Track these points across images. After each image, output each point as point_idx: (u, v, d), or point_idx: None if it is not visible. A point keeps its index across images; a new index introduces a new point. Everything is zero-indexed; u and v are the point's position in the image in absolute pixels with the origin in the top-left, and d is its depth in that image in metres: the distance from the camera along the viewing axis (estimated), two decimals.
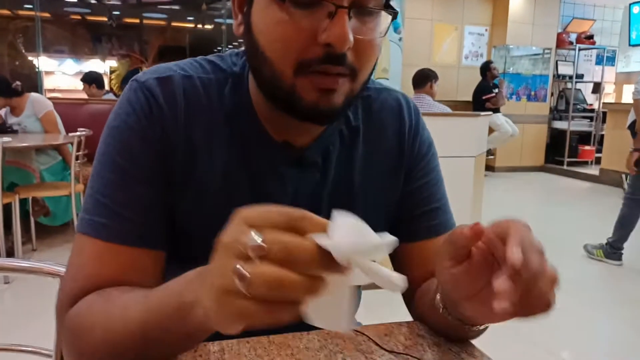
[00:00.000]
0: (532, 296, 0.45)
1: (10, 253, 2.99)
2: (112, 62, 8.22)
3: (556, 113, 8.06)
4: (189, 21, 9.10)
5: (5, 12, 7.47)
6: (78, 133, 3.21)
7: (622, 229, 3.45)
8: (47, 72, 7.84)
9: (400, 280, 0.38)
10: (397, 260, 0.77)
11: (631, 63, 7.48)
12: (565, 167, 7.65)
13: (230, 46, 7.18)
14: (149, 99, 0.63)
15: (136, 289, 0.58)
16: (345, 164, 0.72)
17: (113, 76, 7.73)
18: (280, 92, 0.58)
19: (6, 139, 2.88)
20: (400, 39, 4.31)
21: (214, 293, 0.38)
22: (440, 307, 0.61)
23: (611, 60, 8.26)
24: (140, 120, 0.62)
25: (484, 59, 7.34)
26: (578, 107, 8.00)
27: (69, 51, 8.47)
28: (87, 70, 5.90)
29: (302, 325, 0.67)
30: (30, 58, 7.38)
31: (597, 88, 8.30)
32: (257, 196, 0.67)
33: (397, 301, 0.83)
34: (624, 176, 4.69)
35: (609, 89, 8.39)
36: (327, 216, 0.76)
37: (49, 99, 3.95)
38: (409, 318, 0.76)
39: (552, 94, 8.03)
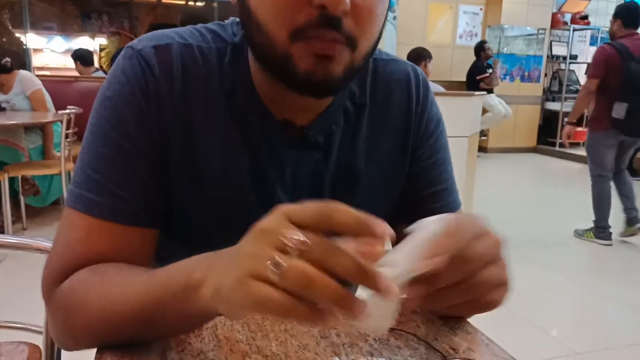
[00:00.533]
0: (452, 300, 0.47)
1: (0, 232, 2.97)
2: (102, 40, 8.08)
3: (549, 94, 8.05)
4: None
5: None
6: (67, 111, 3.16)
7: (599, 207, 3.50)
8: (35, 49, 7.67)
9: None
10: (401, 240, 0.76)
11: None
12: (557, 148, 7.67)
13: None
14: (144, 69, 0.60)
15: (133, 266, 0.57)
16: (349, 144, 0.68)
17: (103, 54, 7.60)
18: (275, 60, 0.55)
19: None
20: (394, 18, 4.27)
21: (240, 273, 0.38)
22: None
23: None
24: (135, 93, 0.59)
25: (478, 39, 7.29)
26: (571, 88, 7.98)
27: (58, 28, 8.29)
28: (76, 47, 5.79)
29: None
30: (17, 35, 7.22)
31: None
32: (257, 177, 0.65)
33: None
34: None
35: None
36: (330, 196, 0.75)
37: (38, 77, 3.88)
38: None
39: (545, 75, 8.01)
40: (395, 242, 0.76)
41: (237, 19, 0.65)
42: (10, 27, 7.34)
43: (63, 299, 0.56)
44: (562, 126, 7.77)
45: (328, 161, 0.67)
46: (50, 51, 8.46)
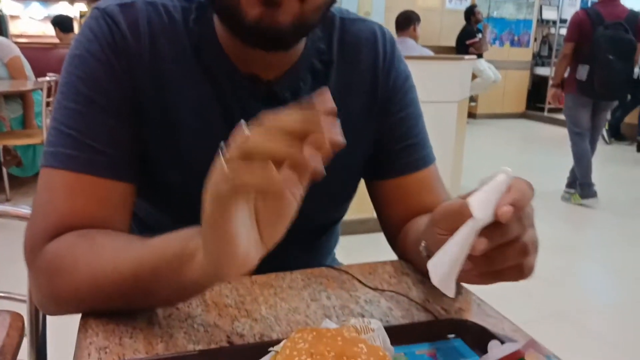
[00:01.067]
0: (507, 262, 0.45)
1: None
2: (82, 6, 7.83)
3: (539, 59, 8.01)
4: None
5: None
6: (47, 78, 3.07)
7: (579, 165, 3.62)
8: (12, 16, 7.42)
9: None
10: (378, 197, 0.75)
11: None
12: (545, 114, 7.68)
13: None
14: (111, 26, 0.59)
15: (122, 233, 0.57)
16: None
17: (83, 20, 7.39)
18: (226, 8, 0.55)
19: None
20: None
21: (208, 192, 0.38)
22: (424, 255, 0.59)
23: None
24: (103, 49, 0.59)
25: (468, 3, 7.17)
26: None
27: None
28: (55, 14, 5.60)
29: (285, 267, 0.66)
30: None
31: None
32: (229, 131, 0.64)
33: (379, 245, 0.82)
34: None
35: None
36: None
37: (15, 44, 3.75)
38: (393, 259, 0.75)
39: (535, 40, 7.94)
40: (376, 203, 0.76)
41: None
42: None
43: (48, 262, 0.54)
44: None
45: None
46: (28, 18, 8.19)
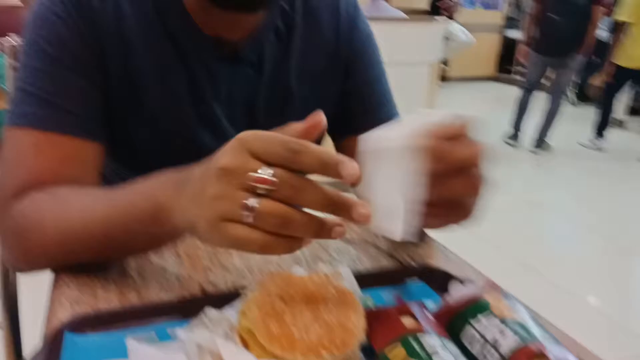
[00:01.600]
0: (450, 192, 0.41)
1: None
2: None
3: (510, 22, 8.03)
4: None
5: None
6: (10, 39, 2.94)
7: (518, 112, 4.32)
8: None
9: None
10: (344, 154, 0.77)
11: None
12: (515, 76, 7.75)
13: None
14: None
15: (88, 187, 0.56)
16: (281, 62, 0.69)
17: None
18: None
19: None
20: None
21: (212, 217, 0.37)
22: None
23: None
24: (68, 10, 0.58)
25: None
26: None
27: None
28: None
29: None
30: None
31: None
32: (193, 92, 0.65)
33: None
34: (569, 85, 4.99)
35: None
36: (264, 114, 0.74)
37: None
38: None
39: (506, 2, 7.93)
40: (340, 153, 0.77)
41: None
42: None
43: (16, 221, 0.54)
44: None
45: (261, 79, 0.68)
46: None
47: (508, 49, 8.01)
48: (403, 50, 2.74)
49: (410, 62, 2.94)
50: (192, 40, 0.63)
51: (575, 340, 0.48)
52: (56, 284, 0.52)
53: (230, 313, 0.44)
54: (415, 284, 0.54)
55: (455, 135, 0.40)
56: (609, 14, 4.99)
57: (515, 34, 7.90)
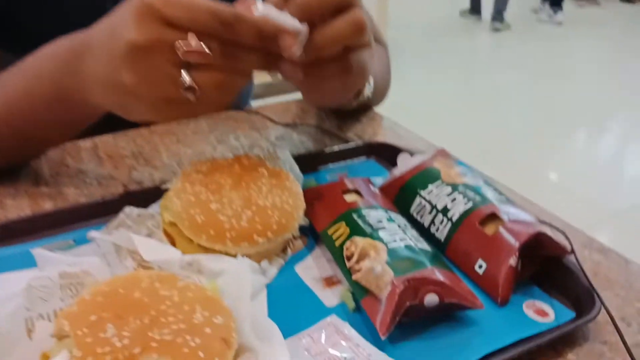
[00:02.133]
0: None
1: None
2: None
3: None
4: None
5: None
6: None
7: None
8: None
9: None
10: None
11: None
12: None
13: None
14: None
15: None
16: None
17: None
18: None
19: None
20: None
21: (153, 100, 0.34)
22: None
23: None
24: None
25: None
26: None
27: None
28: None
29: None
30: None
31: None
32: None
33: None
34: None
35: None
36: None
37: None
38: None
39: None
40: None
41: None
42: None
43: None
44: None
45: None
46: None
47: None
48: None
49: None
50: None
51: (531, 200, 0.46)
52: None
53: (155, 209, 0.39)
54: (362, 162, 0.50)
55: None
56: None
57: None
